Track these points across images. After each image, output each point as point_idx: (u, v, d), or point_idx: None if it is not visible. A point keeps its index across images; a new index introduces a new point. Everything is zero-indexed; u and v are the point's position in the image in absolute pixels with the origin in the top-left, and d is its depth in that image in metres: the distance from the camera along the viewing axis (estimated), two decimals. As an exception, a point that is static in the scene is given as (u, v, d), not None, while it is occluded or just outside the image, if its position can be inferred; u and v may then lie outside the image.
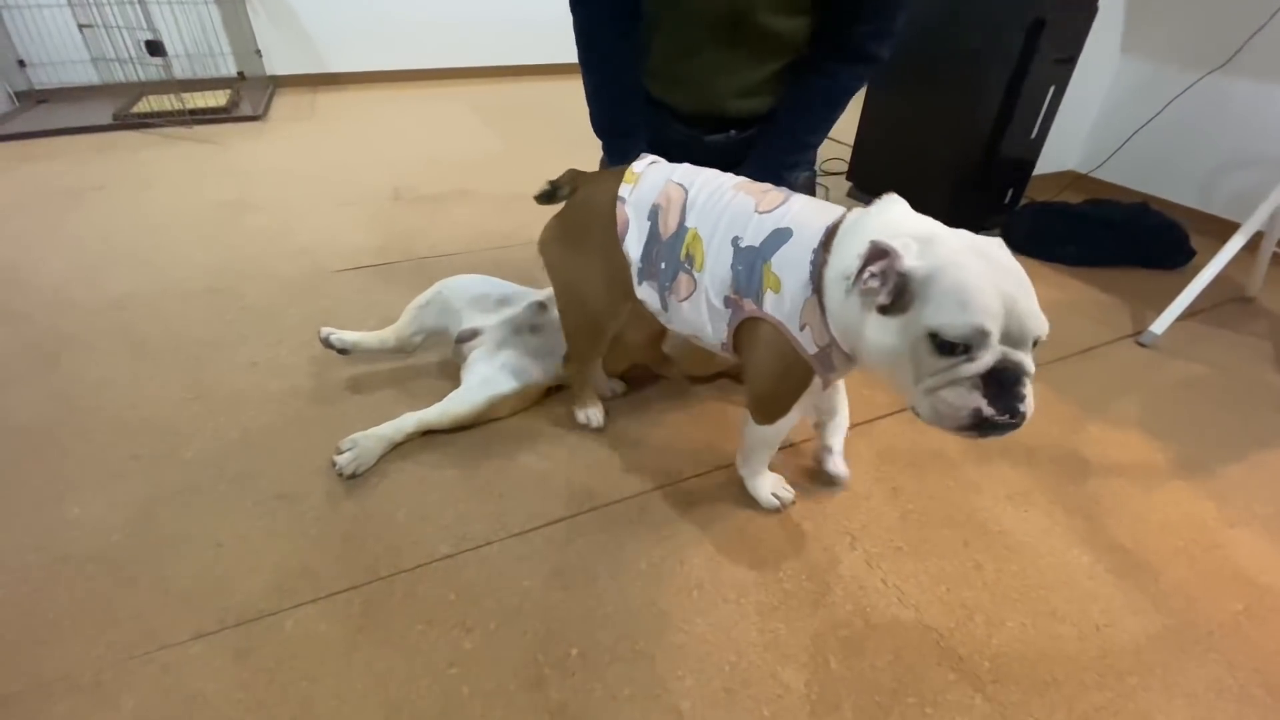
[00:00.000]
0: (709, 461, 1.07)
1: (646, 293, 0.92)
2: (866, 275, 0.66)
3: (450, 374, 1.21)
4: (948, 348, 0.63)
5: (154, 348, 1.30)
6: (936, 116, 1.87)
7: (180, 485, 0.99)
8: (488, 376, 1.12)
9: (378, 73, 3.56)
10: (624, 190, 0.90)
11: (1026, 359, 0.63)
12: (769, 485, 0.99)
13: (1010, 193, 1.96)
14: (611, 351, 1.12)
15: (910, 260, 0.64)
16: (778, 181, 0.92)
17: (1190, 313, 1.47)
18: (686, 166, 0.91)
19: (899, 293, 0.65)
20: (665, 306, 0.91)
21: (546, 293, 1.22)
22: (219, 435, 1.08)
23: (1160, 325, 1.45)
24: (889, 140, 2.05)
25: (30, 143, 2.49)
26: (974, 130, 1.79)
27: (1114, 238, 1.79)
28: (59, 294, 1.48)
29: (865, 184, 2.19)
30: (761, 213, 0.81)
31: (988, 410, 0.63)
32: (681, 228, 0.85)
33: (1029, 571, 0.91)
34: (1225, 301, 1.64)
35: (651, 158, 0.94)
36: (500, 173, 2.28)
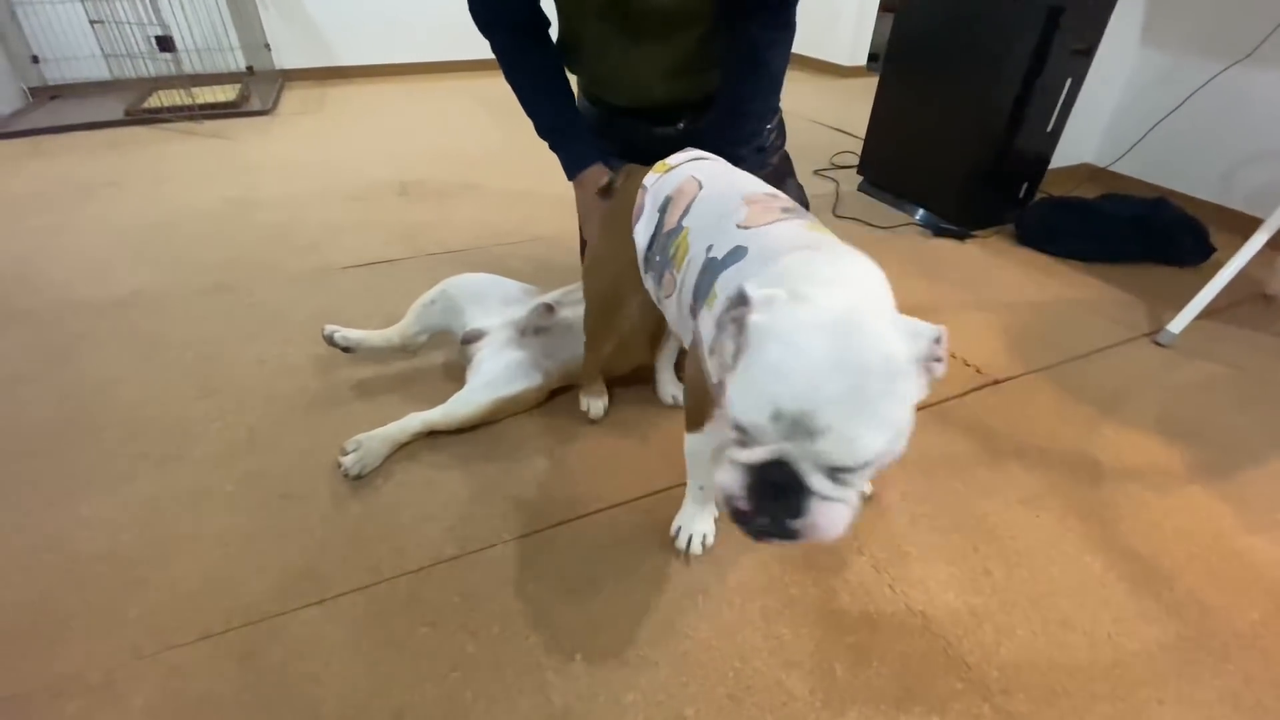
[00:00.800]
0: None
1: (650, 283, 0.91)
2: (728, 320, 0.55)
3: (455, 375, 1.21)
4: (735, 422, 0.52)
5: (163, 345, 1.31)
6: (949, 109, 1.84)
7: (188, 485, 0.99)
8: (492, 378, 1.12)
9: (385, 66, 3.55)
10: (649, 179, 0.89)
11: (815, 476, 0.50)
12: (691, 519, 0.91)
13: (1024, 187, 1.92)
14: (617, 352, 1.12)
15: (754, 316, 0.52)
16: (734, 161, 0.91)
17: (1209, 311, 1.44)
18: (717, 164, 0.88)
19: (738, 349, 0.53)
20: (658, 300, 0.89)
21: (553, 294, 1.21)
22: (226, 435, 1.09)
23: (1178, 324, 1.42)
24: (900, 134, 2.02)
25: (43, 139, 2.51)
26: (988, 123, 1.76)
27: (1131, 233, 1.75)
28: (70, 291, 1.49)
29: (876, 178, 2.16)
30: (742, 226, 0.72)
31: (743, 504, 0.52)
32: (679, 225, 0.82)
33: (1040, 578, 0.90)
34: (1245, 300, 1.60)
35: (696, 152, 0.92)
36: (506, 168, 2.27)
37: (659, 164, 0.91)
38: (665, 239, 0.84)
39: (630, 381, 1.22)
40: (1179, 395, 1.27)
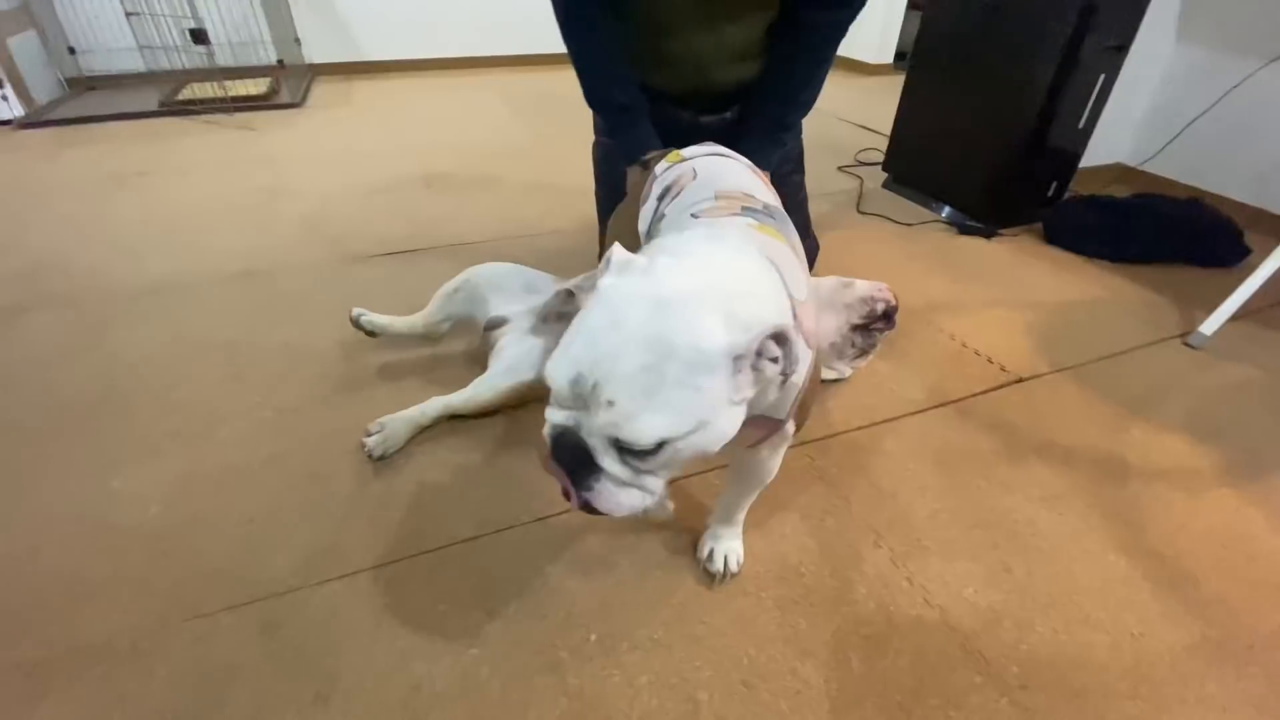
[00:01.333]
0: (725, 454, 1.06)
1: None
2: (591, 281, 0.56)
3: (477, 361, 1.22)
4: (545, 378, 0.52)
5: (192, 329, 1.34)
6: (978, 107, 1.81)
7: (216, 462, 1.02)
8: (513, 364, 1.13)
9: (411, 61, 3.59)
10: (660, 167, 0.89)
11: (605, 454, 0.49)
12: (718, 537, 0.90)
13: (1054, 186, 1.89)
14: None
15: (606, 279, 0.51)
16: (776, 143, 0.95)
17: (1243, 313, 1.40)
18: (725, 159, 0.87)
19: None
20: None
21: (574, 281, 1.22)
22: (253, 415, 1.11)
23: (1210, 326, 1.38)
24: (927, 131, 2.00)
25: (79, 128, 2.57)
26: (1017, 120, 1.73)
27: (1163, 233, 1.71)
28: (103, 276, 1.53)
29: (901, 175, 2.14)
30: (695, 216, 0.69)
31: (550, 466, 0.52)
32: (662, 213, 0.79)
33: (1061, 576, 0.88)
34: (1281, 302, 1.57)
35: (715, 146, 0.90)
36: (527, 161, 2.28)
37: (673, 153, 0.91)
38: (653, 226, 0.82)
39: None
40: (1210, 397, 1.24)
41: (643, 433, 0.46)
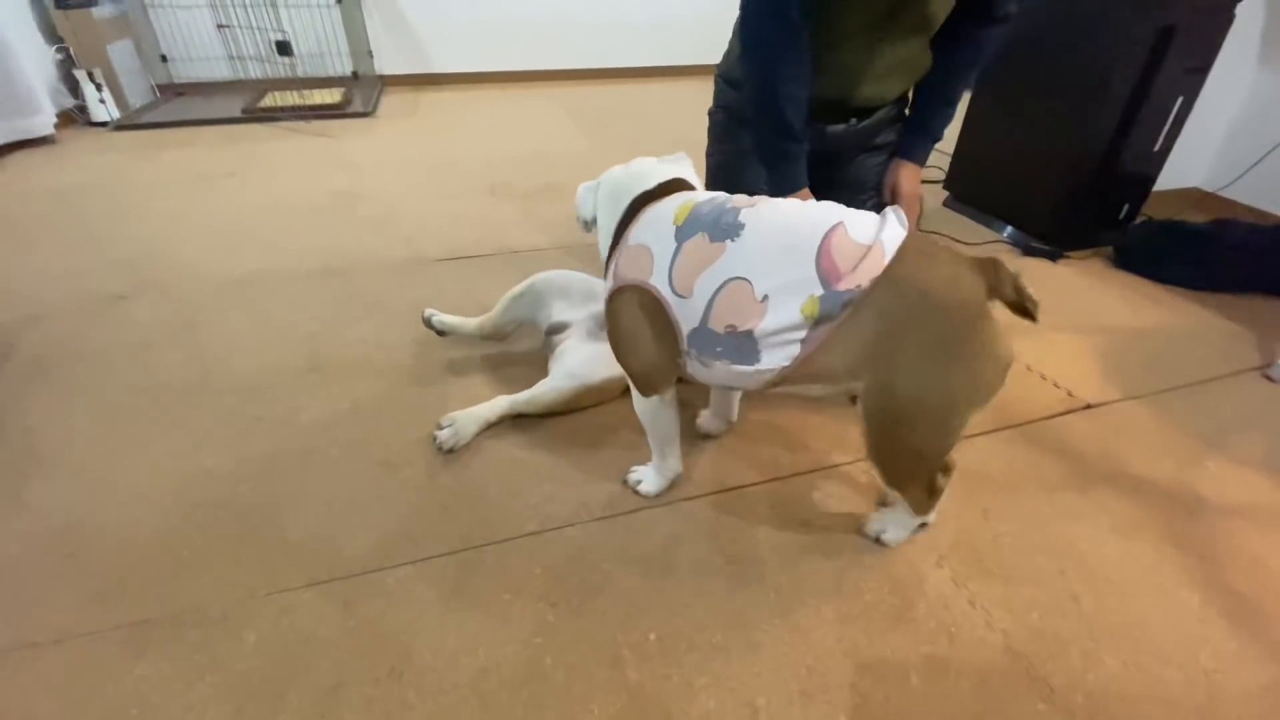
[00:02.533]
0: (788, 467, 1.07)
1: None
2: None
3: (539, 363, 1.26)
4: None
5: (276, 321, 1.42)
6: (1047, 126, 1.78)
7: (298, 446, 1.08)
8: (575, 368, 1.16)
9: (475, 74, 3.72)
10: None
11: None
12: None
13: (1125, 208, 1.84)
14: None
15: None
16: (932, 138, 1.18)
17: (1330, 347, 1.34)
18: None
19: None
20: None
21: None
22: (332, 404, 1.17)
23: (1294, 359, 1.33)
24: (991, 150, 1.97)
25: (170, 131, 2.75)
26: (1088, 141, 1.70)
27: (1243, 261, 1.65)
28: (195, 268, 1.64)
29: (962, 194, 2.11)
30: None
31: None
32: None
33: (1131, 608, 0.86)
34: (1373, 338, 1.49)
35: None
36: (588, 171, 2.32)
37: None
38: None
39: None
40: (1293, 433, 1.19)
41: None
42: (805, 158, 1.15)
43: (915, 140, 1.24)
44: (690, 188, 0.91)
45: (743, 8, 1.07)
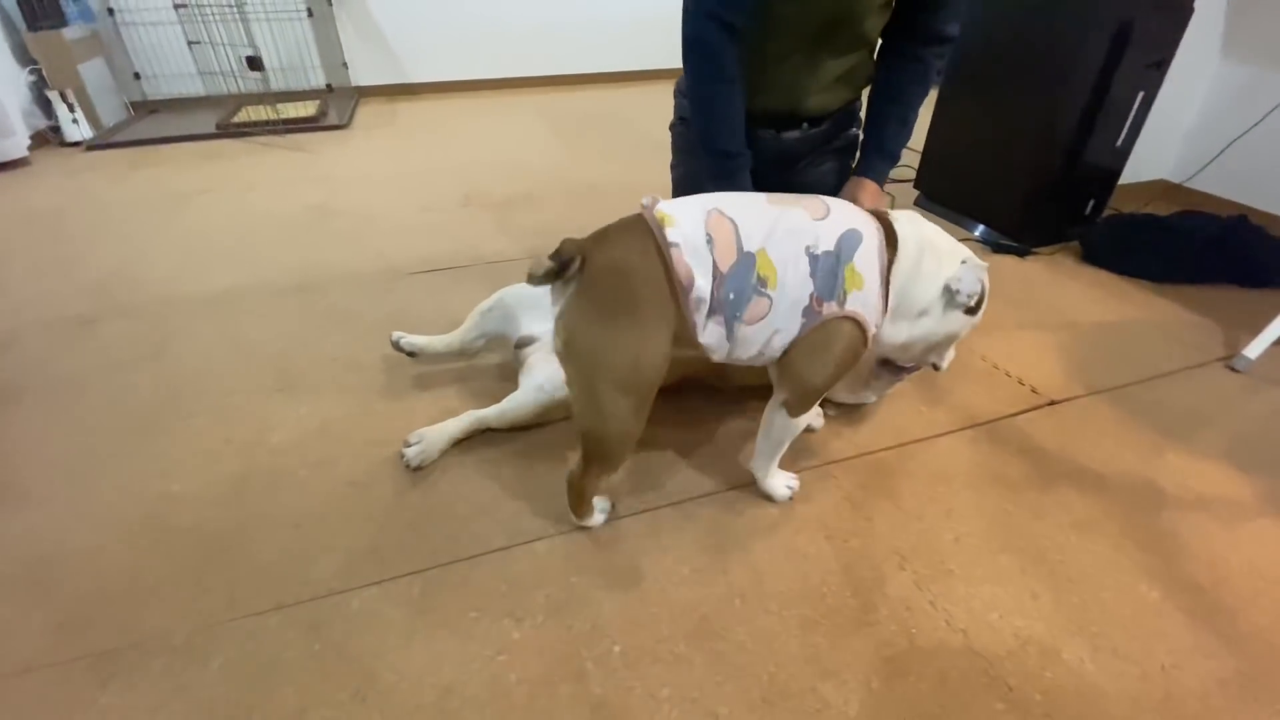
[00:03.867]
0: (749, 473, 1.08)
1: (712, 332, 0.85)
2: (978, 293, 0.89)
3: (508, 375, 1.27)
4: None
5: (247, 339, 1.42)
6: (1012, 124, 1.80)
7: (267, 468, 1.08)
8: (543, 381, 1.16)
9: (452, 83, 3.72)
10: (674, 235, 0.80)
11: None
12: (782, 479, 1.04)
13: (1091, 204, 1.86)
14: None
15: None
16: (890, 161, 1.18)
17: (1291, 337, 1.36)
18: (708, 195, 0.88)
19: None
20: (731, 339, 0.85)
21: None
22: (301, 424, 1.17)
23: (1255, 349, 1.35)
24: (960, 148, 1.99)
25: (143, 149, 2.73)
26: (1053, 138, 1.72)
27: (1207, 253, 1.67)
28: (166, 288, 1.64)
29: (933, 193, 2.13)
30: (818, 220, 0.85)
31: None
32: (745, 254, 0.82)
33: (1091, 604, 0.88)
34: (1334, 326, 1.51)
35: (654, 197, 0.88)
36: (563, 180, 2.34)
37: (664, 217, 0.82)
38: (732, 276, 0.81)
39: (673, 389, 1.25)
40: (1253, 424, 1.21)
41: None
42: (745, 174, 1.16)
43: (873, 160, 1.23)
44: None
45: (683, 6, 1.09)
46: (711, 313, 0.83)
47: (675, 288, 0.80)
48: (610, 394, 0.82)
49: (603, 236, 0.85)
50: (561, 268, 0.80)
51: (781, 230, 0.83)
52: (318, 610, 0.85)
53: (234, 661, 0.79)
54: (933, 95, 2.07)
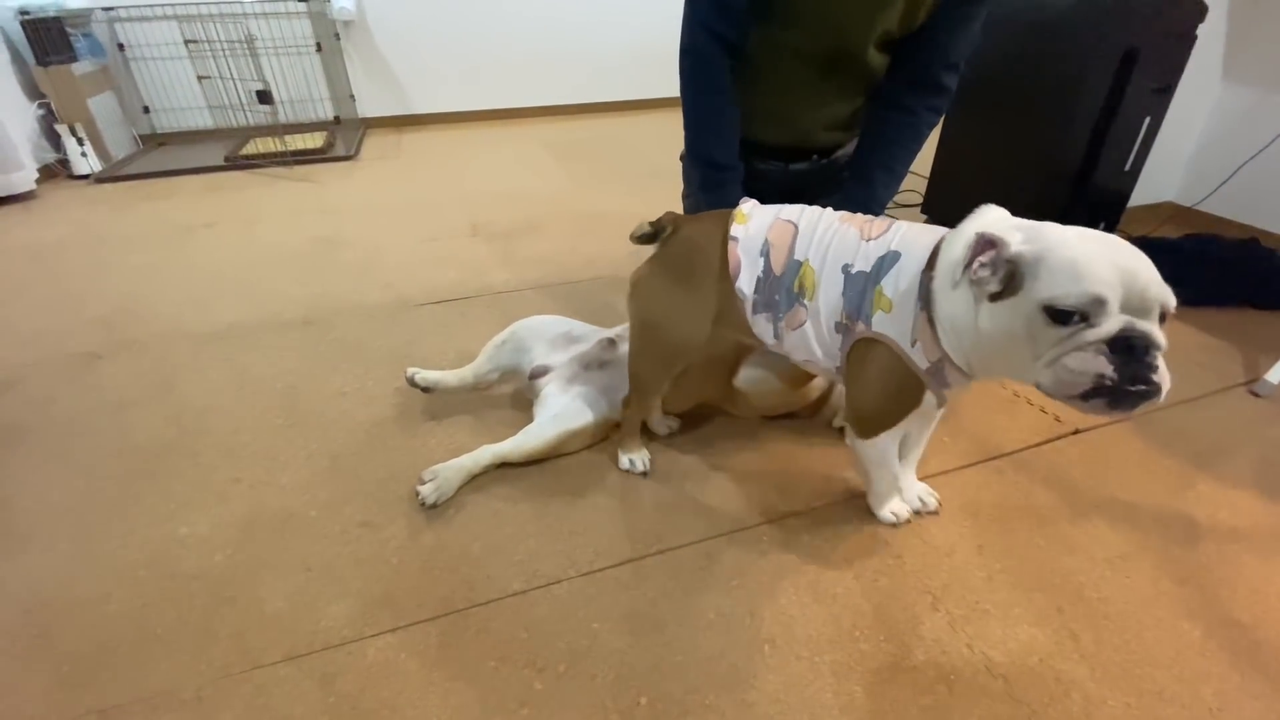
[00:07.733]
0: (779, 509, 1.05)
1: (761, 326, 0.94)
2: (976, 265, 0.70)
3: (523, 407, 1.25)
4: (1063, 317, 0.64)
5: (255, 376, 1.40)
6: (1019, 148, 1.81)
7: (276, 509, 1.05)
8: (559, 412, 1.15)
9: (457, 113, 3.76)
10: (737, 230, 0.92)
11: (1154, 329, 0.64)
12: (889, 506, 1.02)
13: (1101, 227, 1.85)
14: (678, 388, 1.13)
15: (1017, 246, 0.67)
16: (877, 208, 1.06)
17: (1313, 361, 1.34)
18: (793, 205, 0.94)
19: (1009, 278, 0.68)
20: (778, 336, 0.94)
21: (615, 330, 1.25)
22: (311, 462, 1.15)
23: (1277, 374, 1.33)
24: (967, 173, 2.00)
25: (150, 182, 2.75)
26: (1061, 162, 1.72)
27: (1220, 275, 1.66)
28: (172, 323, 1.62)
29: (940, 217, 2.12)
30: (868, 240, 0.85)
31: (1112, 375, 0.63)
32: (794, 262, 0.88)
33: (1133, 645, 0.84)
34: (1354, 348, 1.49)
35: (753, 201, 0.97)
36: (569, 208, 2.34)
37: (738, 214, 0.94)
38: (781, 281, 0.89)
39: (692, 419, 1.23)
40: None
41: (1172, 296, 0.65)
42: (735, 186, 1.17)
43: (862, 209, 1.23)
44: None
45: (683, 13, 1.10)
46: (763, 308, 0.92)
47: (726, 273, 0.92)
48: (647, 334, 1.03)
49: (694, 218, 1.00)
50: (656, 233, 0.98)
51: (831, 246, 0.86)
52: (331, 661, 0.82)
53: (244, 718, 0.76)
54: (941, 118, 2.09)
